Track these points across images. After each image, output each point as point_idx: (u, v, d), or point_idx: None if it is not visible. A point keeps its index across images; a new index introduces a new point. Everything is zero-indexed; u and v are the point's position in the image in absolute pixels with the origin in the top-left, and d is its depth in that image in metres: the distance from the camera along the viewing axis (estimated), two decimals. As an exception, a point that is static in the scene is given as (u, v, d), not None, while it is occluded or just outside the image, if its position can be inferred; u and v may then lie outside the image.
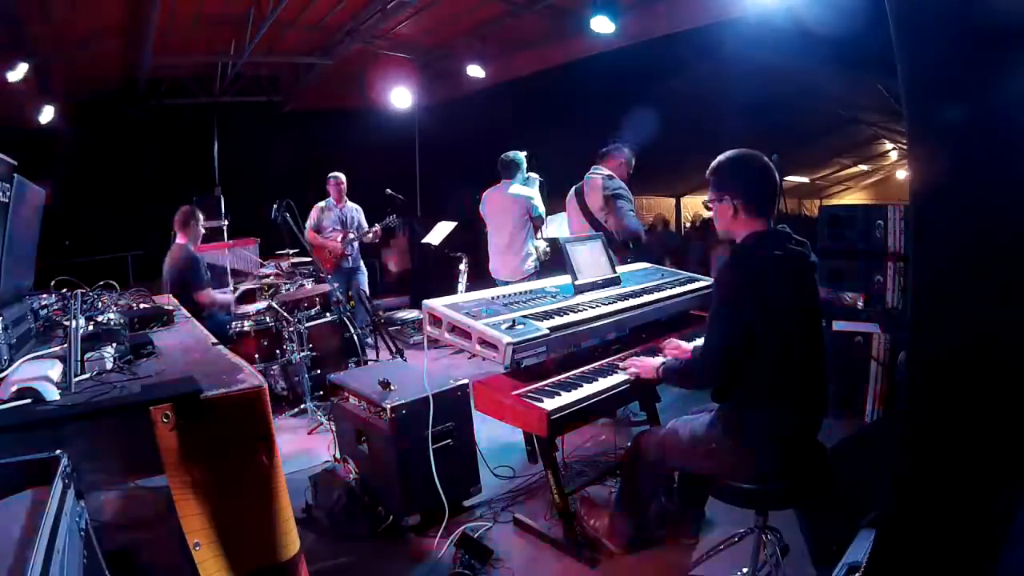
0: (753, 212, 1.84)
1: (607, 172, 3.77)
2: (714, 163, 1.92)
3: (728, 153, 1.90)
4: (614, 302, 2.64)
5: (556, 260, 3.76)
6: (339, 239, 5.34)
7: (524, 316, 2.31)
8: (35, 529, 0.86)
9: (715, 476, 1.91)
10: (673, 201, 13.94)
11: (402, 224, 5.71)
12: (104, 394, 1.53)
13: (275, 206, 3.95)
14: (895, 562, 1.44)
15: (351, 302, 5.29)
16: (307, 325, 3.99)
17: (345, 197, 5.47)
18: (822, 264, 2.99)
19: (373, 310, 5.23)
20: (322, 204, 5.42)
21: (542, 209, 4.32)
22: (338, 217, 5.42)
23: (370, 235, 5.43)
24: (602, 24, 4.68)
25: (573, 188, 3.95)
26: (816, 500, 1.91)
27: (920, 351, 1.40)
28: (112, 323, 2.14)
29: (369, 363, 4.45)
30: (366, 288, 5.55)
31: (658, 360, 2.19)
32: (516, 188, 4.29)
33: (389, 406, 2.44)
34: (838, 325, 3.63)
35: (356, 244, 5.50)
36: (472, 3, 5.51)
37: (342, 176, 5.45)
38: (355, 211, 5.54)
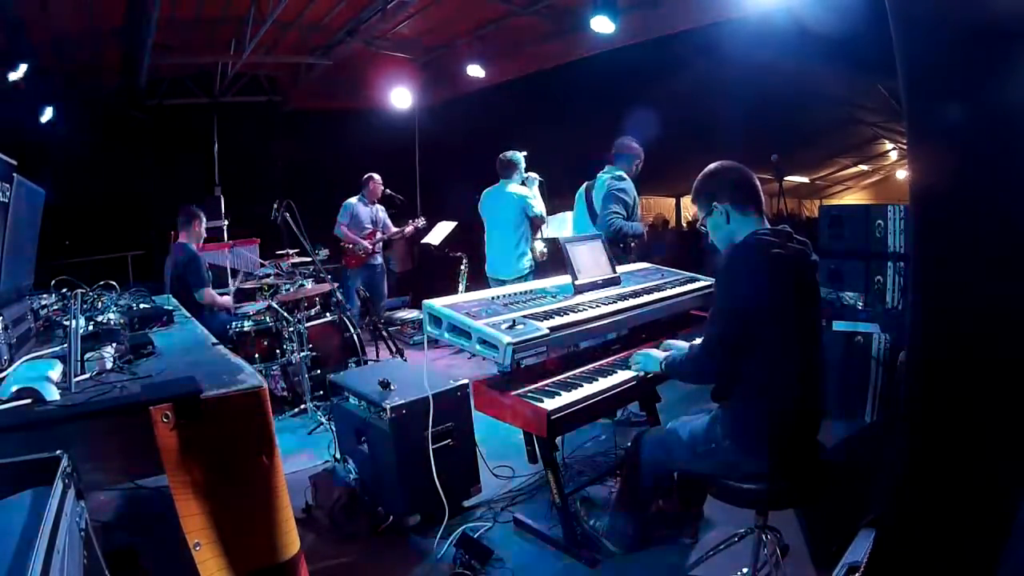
0: (744, 211, 1.89)
1: (618, 172, 3.75)
2: (693, 187, 2.02)
3: (702, 172, 2.00)
4: (614, 302, 2.63)
5: (556, 260, 3.75)
6: (371, 237, 5.60)
7: (524, 316, 2.31)
8: (35, 529, 0.86)
9: (715, 476, 1.91)
10: (673, 201, 13.95)
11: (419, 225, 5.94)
12: (104, 394, 1.53)
13: (275, 206, 3.95)
14: (895, 562, 1.44)
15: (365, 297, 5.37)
16: (307, 325, 3.99)
17: None
18: (822, 264, 2.99)
19: (375, 311, 5.24)
20: (354, 200, 5.60)
21: (540, 209, 4.30)
22: (371, 216, 5.64)
23: (405, 232, 5.75)
24: (602, 24, 4.67)
25: (584, 184, 3.92)
26: (815, 500, 1.91)
27: (920, 351, 1.40)
28: (112, 323, 2.15)
29: (369, 363, 4.45)
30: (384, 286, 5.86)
31: (661, 354, 2.20)
32: (513, 188, 4.28)
33: (389, 406, 2.44)
34: (838, 325, 3.63)
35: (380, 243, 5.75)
36: (472, 3, 5.51)
37: (379, 177, 5.67)
38: (381, 210, 5.76)
